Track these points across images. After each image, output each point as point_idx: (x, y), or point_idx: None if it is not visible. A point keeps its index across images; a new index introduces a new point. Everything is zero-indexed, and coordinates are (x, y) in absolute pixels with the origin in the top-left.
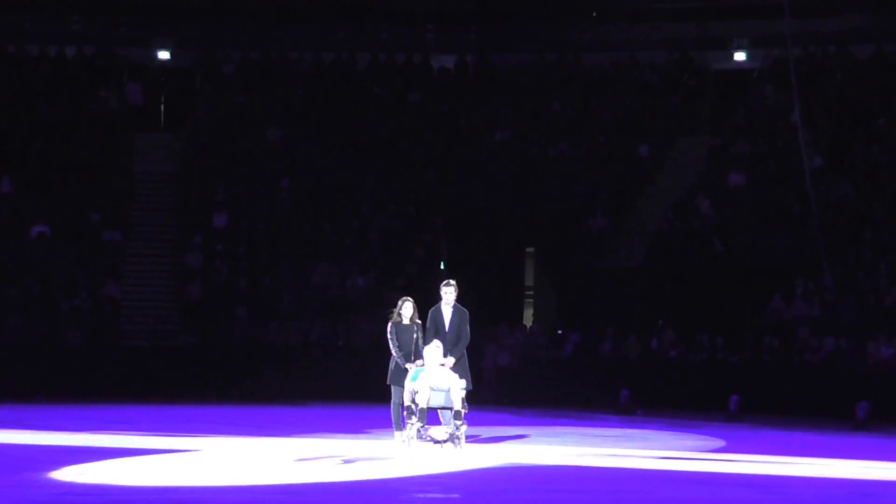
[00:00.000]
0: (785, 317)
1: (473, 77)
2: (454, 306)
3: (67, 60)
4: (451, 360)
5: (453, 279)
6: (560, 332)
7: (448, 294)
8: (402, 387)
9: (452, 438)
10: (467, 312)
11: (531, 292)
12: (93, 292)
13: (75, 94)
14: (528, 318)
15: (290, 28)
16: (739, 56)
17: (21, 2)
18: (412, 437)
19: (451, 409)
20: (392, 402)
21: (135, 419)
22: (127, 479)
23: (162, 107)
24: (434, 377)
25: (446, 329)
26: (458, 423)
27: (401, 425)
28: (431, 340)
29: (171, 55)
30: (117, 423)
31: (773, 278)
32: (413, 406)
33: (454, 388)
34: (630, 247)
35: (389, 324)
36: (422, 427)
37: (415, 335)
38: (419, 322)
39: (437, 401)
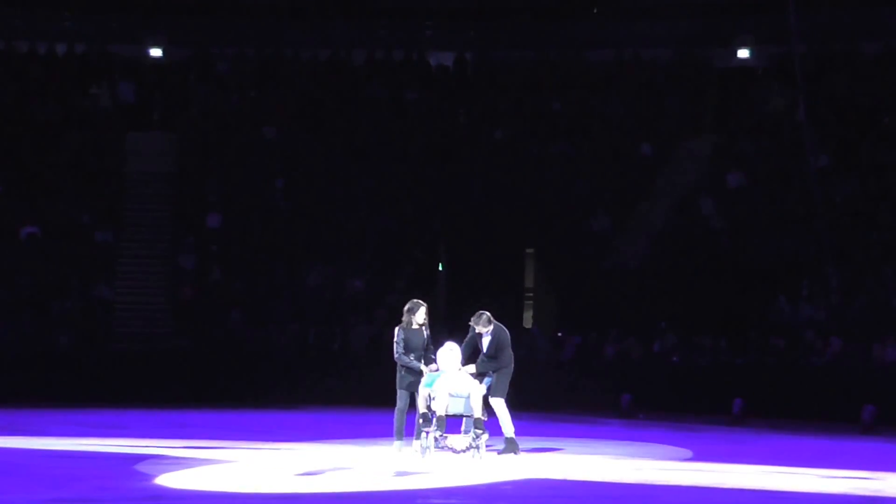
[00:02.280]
0: (790, 318)
1: (472, 75)
2: (493, 331)
3: (58, 58)
4: (470, 367)
5: (485, 312)
6: (560, 334)
7: (478, 326)
8: (407, 392)
9: (471, 448)
10: (506, 333)
11: (531, 294)
12: (84, 294)
13: (66, 92)
14: (527, 320)
15: (285, 25)
16: (743, 53)
17: None
18: (428, 447)
19: (470, 416)
20: (396, 407)
21: (127, 424)
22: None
23: (155, 105)
24: (453, 382)
25: (484, 351)
26: (479, 431)
27: (402, 433)
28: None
29: (164, 52)
30: (110, 427)
31: (777, 279)
32: (429, 413)
33: (474, 395)
34: (632, 247)
35: (398, 328)
36: (440, 435)
37: (425, 340)
38: (427, 331)
39: (456, 408)
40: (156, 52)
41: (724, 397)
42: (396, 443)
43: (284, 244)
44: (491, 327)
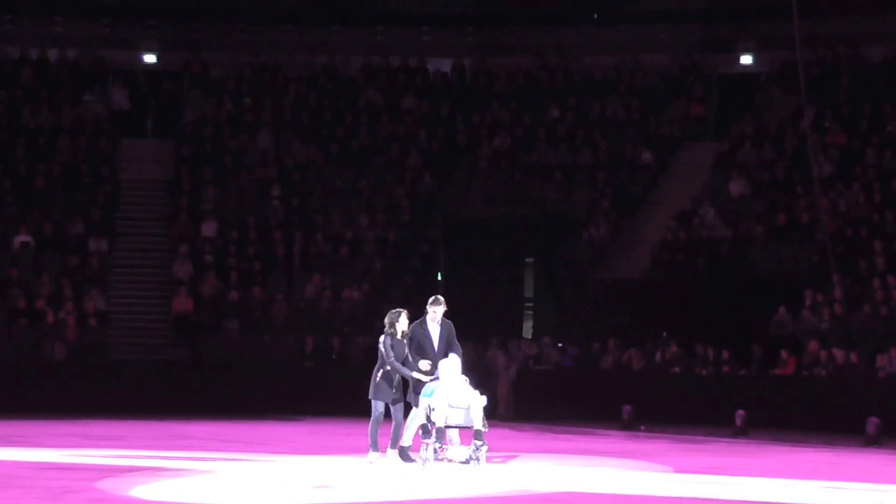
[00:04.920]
0: (793, 329)
1: (471, 81)
2: (441, 322)
3: (50, 64)
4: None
5: (441, 296)
6: (560, 344)
7: (437, 312)
8: (383, 402)
9: (472, 460)
10: (452, 325)
11: (531, 304)
12: (78, 304)
13: (58, 99)
14: (527, 330)
15: (281, 30)
16: (746, 59)
17: (1, 2)
18: (428, 459)
19: (470, 428)
20: (372, 417)
21: (121, 435)
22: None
23: (149, 112)
24: (453, 393)
25: (434, 346)
26: (479, 443)
27: (377, 444)
28: (416, 358)
29: (158, 58)
30: (103, 438)
31: (780, 289)
32: (429, 424)
33: (475, 406)
34: (633, 257)
35: (385, 337)
36: (439, 447)
37: (405, 353)
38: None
39: (456, 419)
40: (150, 59)
41: (727, 409)
42: (371, 454)
43: (281, 253)
44: (443, 313)
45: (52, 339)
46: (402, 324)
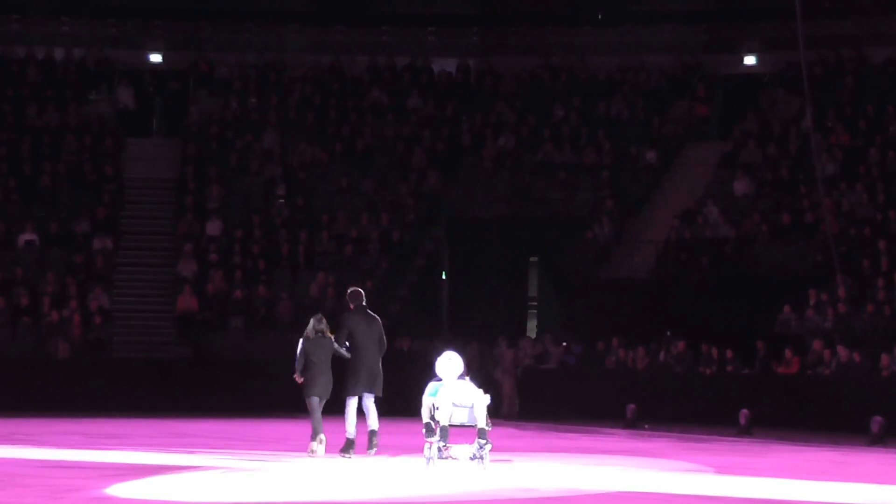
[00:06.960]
0: (796, 328)
1: (475, 81)
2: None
3: (56, 63)
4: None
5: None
6: (564, 343)
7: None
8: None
9: (475, 458)
10: (353, 321)
11: (535, 303)
12: (82, 303)
13: (64, 98)
14: (531, 329)
15: (286, 30)
16: (749, 60)
17: (8, 2)
18: (432, 457)
19: (474, 426)
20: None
21: (125, 434)
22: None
23: (154, 111)
24: (456, 393)
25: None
26: (483, 441)
27: (320, 429)
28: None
29: (164, 58)
30: (108, 437)
31: (784, 289)
32: (432, 423)
33: (478, 405)
34: (637, 256)
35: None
36: (443, 446)
37: (332, 349)
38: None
39: (460, 418)
40: (155, 58)
41: (731, 408)
42: (313, 443)
43: (285, 252)
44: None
45: (57, 337)
46: (318, 325)
